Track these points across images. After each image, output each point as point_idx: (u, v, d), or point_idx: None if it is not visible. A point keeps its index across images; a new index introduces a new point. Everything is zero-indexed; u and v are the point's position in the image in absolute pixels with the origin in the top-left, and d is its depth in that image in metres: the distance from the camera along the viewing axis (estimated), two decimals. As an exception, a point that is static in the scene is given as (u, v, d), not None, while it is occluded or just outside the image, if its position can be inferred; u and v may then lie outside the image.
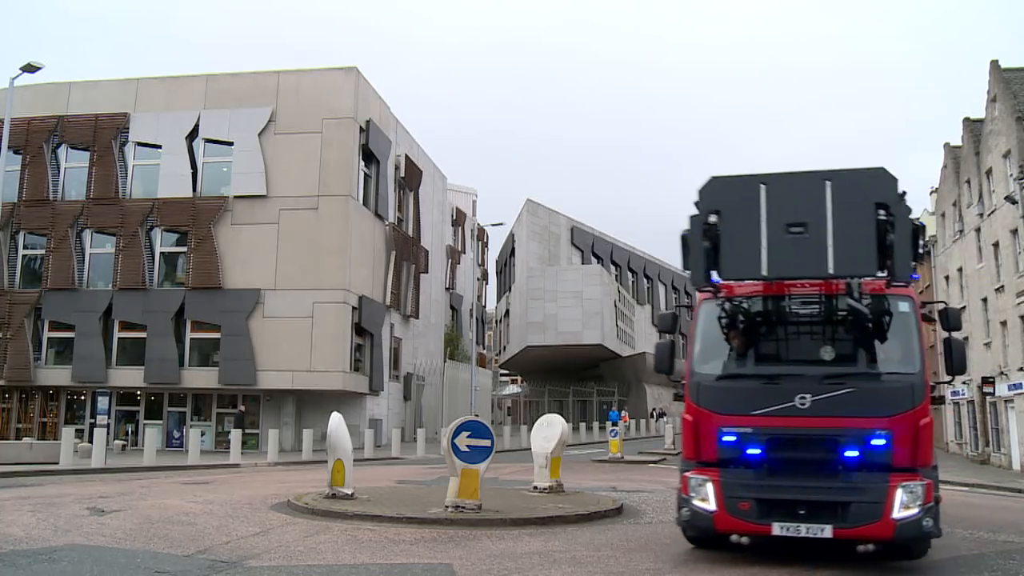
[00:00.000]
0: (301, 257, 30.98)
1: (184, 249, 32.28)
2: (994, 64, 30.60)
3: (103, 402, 27.46)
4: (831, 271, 7.27)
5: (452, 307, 54.74)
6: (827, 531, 7.33)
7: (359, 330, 32.99)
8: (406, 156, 39.16)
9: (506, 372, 75.63)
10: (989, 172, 30.93)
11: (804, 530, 7.38)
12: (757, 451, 7.67)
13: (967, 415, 35.51)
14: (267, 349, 30.63)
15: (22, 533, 9.02)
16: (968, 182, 33.55)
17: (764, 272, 7.48)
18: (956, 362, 7.94)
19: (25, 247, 34.19)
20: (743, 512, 7.59)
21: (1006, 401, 29.66)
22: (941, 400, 8.31)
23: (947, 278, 37.78)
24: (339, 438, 12.22)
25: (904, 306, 7.88)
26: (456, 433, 10.79)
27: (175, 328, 31.78)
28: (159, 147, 32.85)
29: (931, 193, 45.52)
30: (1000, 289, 30.06)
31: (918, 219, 7.83)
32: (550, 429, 14.28)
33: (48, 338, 33.44)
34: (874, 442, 7.38)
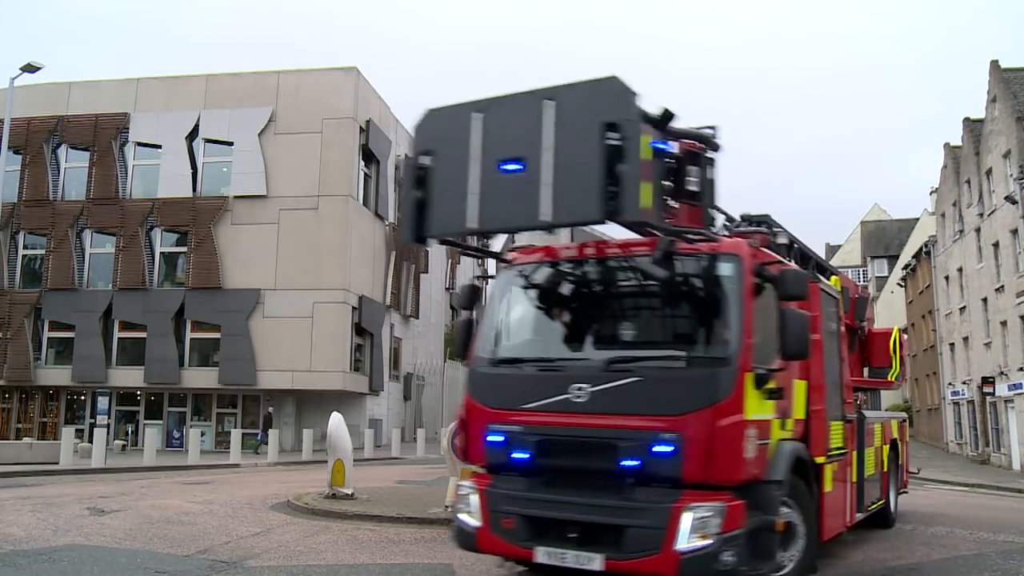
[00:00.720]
0: (301, 257, 30.98)
1: (184, 249, 32.30)
2: (994, 64, 30.59)
3: (103, 402, 27.54)
4: (545, 218, 5.62)
5: (452, 307, 54.72)
6: (596, 562, 5.70)
7: (359, 330, 33.00)
8: (406, 156, 39.11)
9: (506, 372, 75.47)
10: (989, 172, 30.92)
11: (572, 558, 5.80)
12: (525, 456, 6.16)
13: (967, 415, 35.50)
14: (267, 349, 30.64)
15: (22, 533, 9.01)
16: (968, 182, 33.54)
17: (472, 224, 5.98)
18: (792, 342, 6.01)
19: (25, 247, 34.22)
20: (507, 531, 6.10)
21: (1006, 401, 29.65)
22: (779, 394, 6.17)
23: (947, 278, 37.80)
24: (339, 438, 12.24)
25: (726, 268, 6.04)
26: (456, 433, 10.78)
27: (175, 328, 31.80)
28: (159, 147, 32.86)
29: (931, 193, 45.61)
30: (1000, 289, 30.05)
31: (681, 139, 5.93)
32: (550, 429, 14.25)
33: (48, 338, 33.48)
34: (657, 448, 5.62)
